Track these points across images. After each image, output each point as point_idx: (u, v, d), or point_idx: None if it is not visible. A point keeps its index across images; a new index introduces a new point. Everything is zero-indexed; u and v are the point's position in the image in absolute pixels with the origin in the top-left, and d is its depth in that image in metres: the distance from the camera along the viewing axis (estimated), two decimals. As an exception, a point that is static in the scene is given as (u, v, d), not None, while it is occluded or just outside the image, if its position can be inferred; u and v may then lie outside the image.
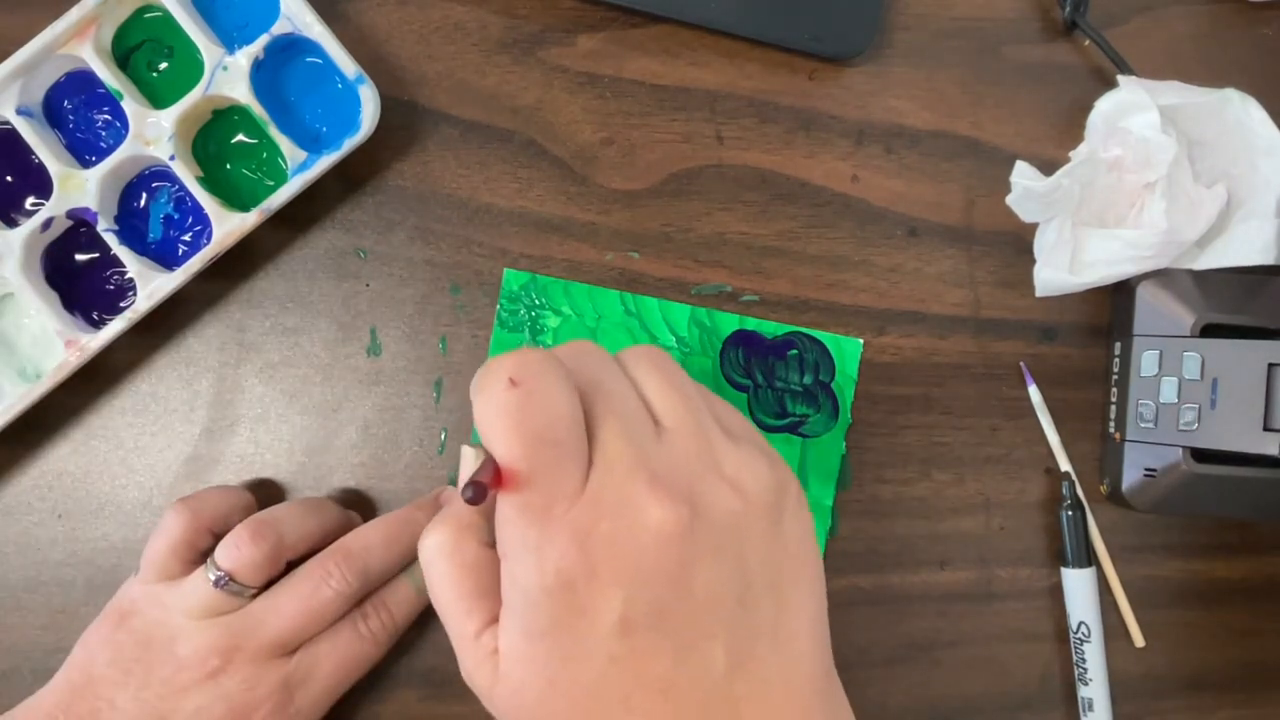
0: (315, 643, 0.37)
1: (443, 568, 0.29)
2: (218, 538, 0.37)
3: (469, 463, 0.31)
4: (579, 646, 0.26)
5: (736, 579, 0.28)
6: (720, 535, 0.27)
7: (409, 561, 0.39)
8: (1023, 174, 0.40)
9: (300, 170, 0.40)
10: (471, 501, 0.25)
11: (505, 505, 0.27)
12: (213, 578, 0.36)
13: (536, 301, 0.42)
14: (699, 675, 0.27)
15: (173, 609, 0.36)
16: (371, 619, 0.38)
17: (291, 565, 0.38)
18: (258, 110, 0.40)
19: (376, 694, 0.41)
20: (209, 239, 0.40)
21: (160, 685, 0.35)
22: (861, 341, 0.43)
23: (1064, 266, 0.42)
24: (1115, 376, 0.43)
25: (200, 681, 0.35)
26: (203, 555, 0.37)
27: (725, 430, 0.30)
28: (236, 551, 0.36)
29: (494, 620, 0.28)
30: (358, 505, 0.42)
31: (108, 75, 0.39)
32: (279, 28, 0.40)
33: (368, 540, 0.38)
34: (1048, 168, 0.41)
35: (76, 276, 0.41)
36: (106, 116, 0.41)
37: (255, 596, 0.37)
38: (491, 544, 0.29)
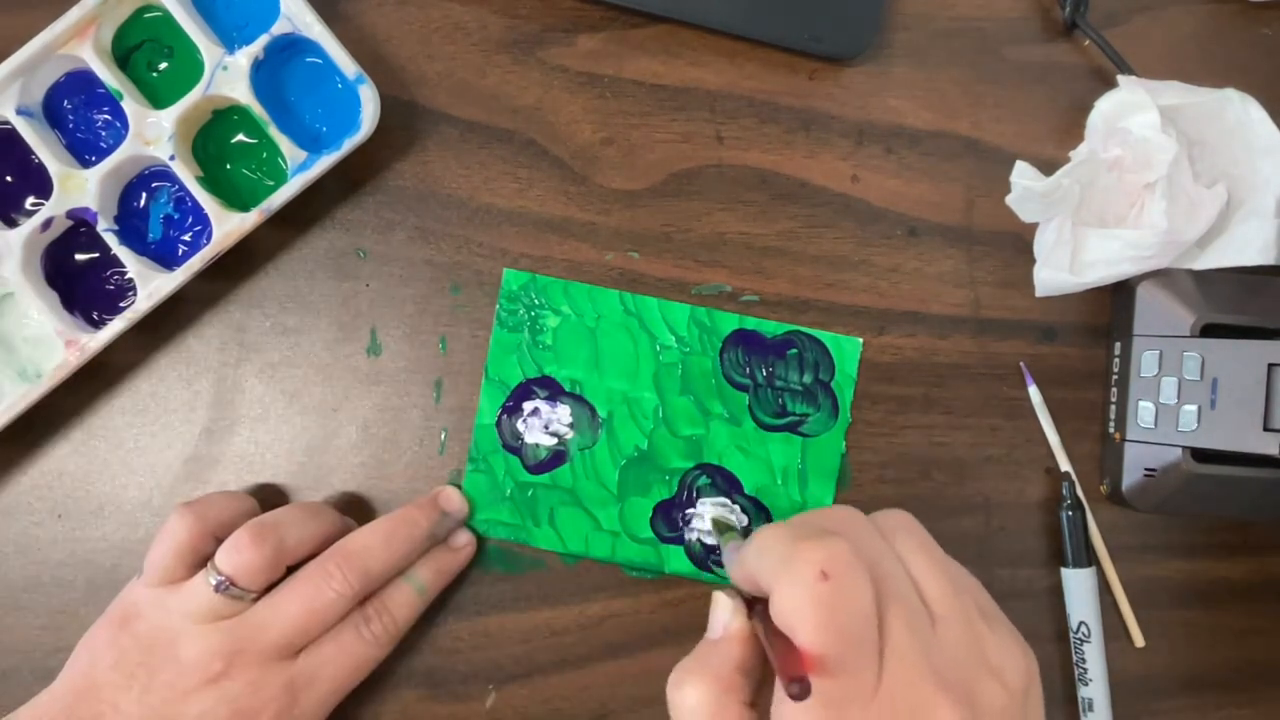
0: (318, 645, 0.37)
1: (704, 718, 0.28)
2: (220, 542, 0.37)
3: (724, 610, 0.31)
4: None
5: None
6: None
7: (409, 562, 0.39)
8: (1023, 174, 0.40)
9: (300, 170, 0.40)
10: (798, 698, 0.25)
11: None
12: (214, 582, 0.36)
13: (536, 301, 0.42)
14: None
15: (175, 612, 0.36)
16: (374, 622, 0.38)
17: (291, 569, 0.38)
18: (258, 110, 0.40)
19: (376, 694, 0.41)
20: (209, 239, 0.40)
21: (164, 689, 0.35)
22: (861, 341, 0.43)
23: (1064, 266, 0.41)
24: (1115, 376, 0.43)
25: (204, 686, 0.35)
26: (205, 559, 0.37)
27: (982, 613, 0.30)
28: (237, 555, 0.36)
29: None
30: (357, 506, 0.42)
31: (108, 75, 0.39)
32: (279, 28, 0.40)
33: (367, 541, 0.38)
34: (1048, 168, 0.41)
35: (76, 276, 0.41)
36: (106, 116, 0.41)
37: (256, 600, 0.37)
38: (751, 702, 0.29)
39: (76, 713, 0.35)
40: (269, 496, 0.42)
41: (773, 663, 0.27)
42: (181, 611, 0.36)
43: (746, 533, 0.40)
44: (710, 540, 0.42)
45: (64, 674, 0.37)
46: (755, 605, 0.30)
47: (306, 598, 0.36)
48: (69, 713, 0.35)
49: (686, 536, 0.42)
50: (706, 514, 0.42)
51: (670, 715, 0.30)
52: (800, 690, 0.25)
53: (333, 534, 0.39)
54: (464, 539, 0.41)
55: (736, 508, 0.42)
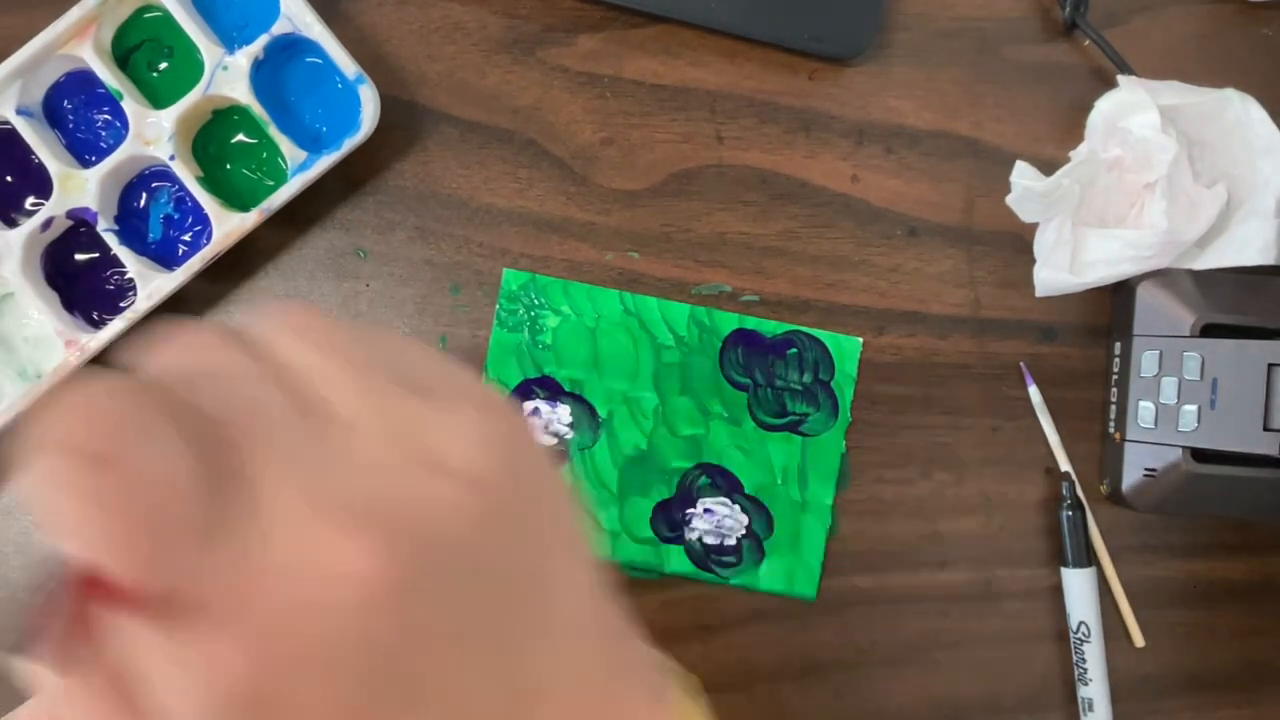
0: None
1: None
2: None
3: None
4: None
5: (492, 589, 0.20)
6: (457, 552, 0.19)
7: None
8: (1023, 174, 0.40)
9: (300, 170, 0.40)
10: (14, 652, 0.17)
11: (128, 626, 0.17)
12: None
13: (536, 301, 0.42)
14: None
15: None
16: None
17: None
18: (258, 110, 0.40)
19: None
20: (209, 239, 0.40)
21: None
22: (861, 340, 0.43)
23: (1064, 266, 0.41)
24: (1115, 376, 0.43)
25: None
26: None
27: (418, 392, 0.21)
28: None
29: None
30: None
31: (108, 75, 0.39)
32: (279, 28, 0.40)
33: None
34: (1048, 168, 0.41)
35: (76, 276, 0.41)
36: (106, 116, 0.41)
37: None
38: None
39: None
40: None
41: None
42: None
43: None
44: (712, 540, 0.42)
45: None
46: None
47: None
48: None
49: (687, 536, 0.42)
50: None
51: None
52: (15, 643, 0.17)
53: None
54: None
55: (736, 507, 0.42)
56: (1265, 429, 0.38)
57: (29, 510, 0.39)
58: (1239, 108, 0.41)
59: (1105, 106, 0.42)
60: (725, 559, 0.42)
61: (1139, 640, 0.44)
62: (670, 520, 0.42)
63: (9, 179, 0.41)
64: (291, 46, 0.41)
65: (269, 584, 0.18)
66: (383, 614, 0.18)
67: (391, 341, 0.23)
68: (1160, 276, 0.41)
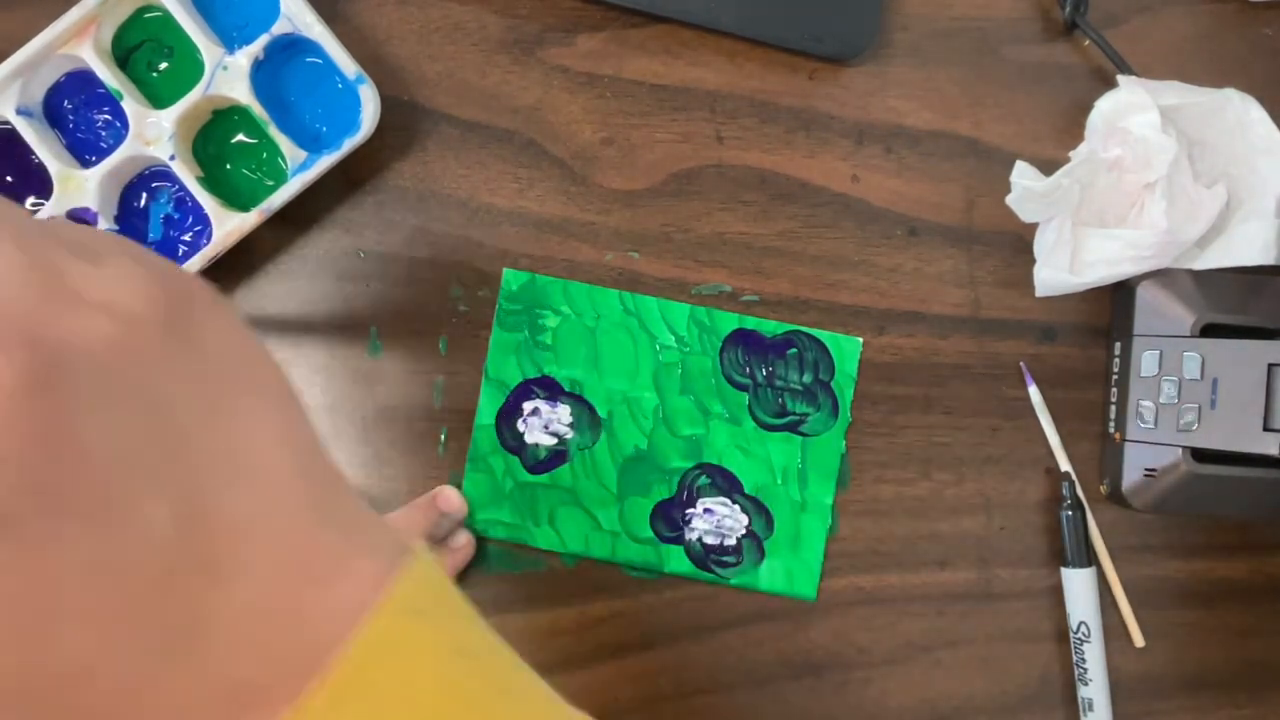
0: None
1: None
2: None
3: None
4: None
5: (149, 419, 0.21)
6: (102, 374, 0.20)
7: None
8: (1023, 174, 0.40)
9: (300, 170, 0.40)
10: None
11: None
12: None
13: (536, 301, 0.42)
14: (139, 544, 0.20)
15: None
16: None
17: None
18: (258, 110, 0.40)
19: (376, 694, 0.41)
20: (209, 239, 0.40)
21: None
22: (861, 340, 0.43)
23: (1064, 266, 0.41)
24: (1115, 376, 0.43)
25: None
26: None
27: (81, 255, 0.22)
28: None
29: None
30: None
31: (108, 75, 0.39)
32: (279, 28, 0.40)
33: None
34: (1048, 168, 0.41)
35: (76, 276, 0.41)
36: (106, 116, 0.41)
37: None
38: None
39: None
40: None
41: None
42: None
43: None
44: (712, 540, 0.42)
45: None
46: None
47: None
48: None
49: (687, 536, 0.42)
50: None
51: None
52: None
53: None
54: (463, 539, 0.41)
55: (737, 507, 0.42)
56: (1265, 429, 0.38)
57: None
58: (1239, 108, 0.41)
59: (1105, 106, 0.42)
60: (725, 559, 0.42)
61: (1139, 640, 0.44)
62: (670, 520, 0.42)
63: (9, 179, 0.41)
64: (291, 46, 0.41)
65: None
66: (32, 414, 0.18)
67: (58, 224, 0.24)
68: (1160, 276, 0.41)
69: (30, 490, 0.19)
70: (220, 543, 0.21)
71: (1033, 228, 0.43)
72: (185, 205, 0.41)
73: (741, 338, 0.43)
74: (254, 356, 0.24)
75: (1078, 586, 0.42)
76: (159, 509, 0.20)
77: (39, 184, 0.40)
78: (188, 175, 0.40)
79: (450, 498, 0.41)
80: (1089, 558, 0.43)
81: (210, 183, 0.40)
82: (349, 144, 0.40)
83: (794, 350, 0.43)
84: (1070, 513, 0.42)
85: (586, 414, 0.42)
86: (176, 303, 0.23)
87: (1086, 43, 0.45)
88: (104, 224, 0.40)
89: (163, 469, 0.21)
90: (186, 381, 0.22)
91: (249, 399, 0.23)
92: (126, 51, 0.41)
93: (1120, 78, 0.41)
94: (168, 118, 0.39)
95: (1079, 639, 0.42)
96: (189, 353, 0.22)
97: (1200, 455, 0.40)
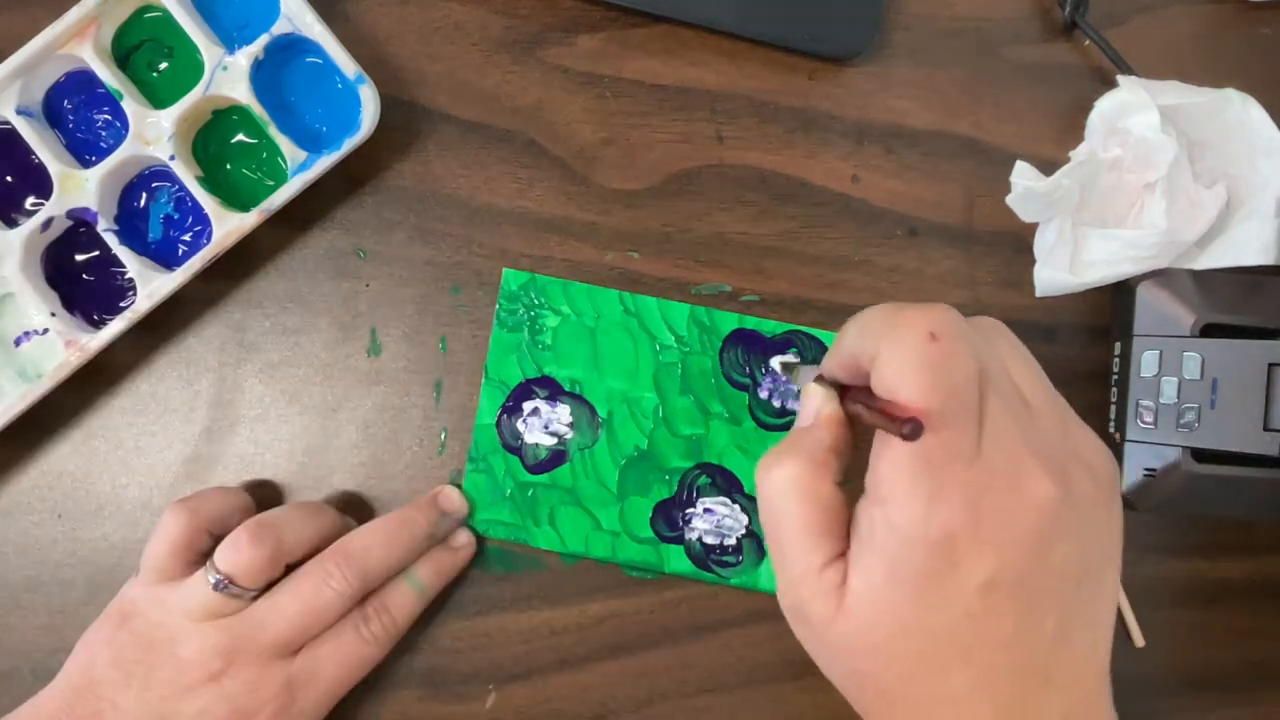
0: (317, 644, 0.37)
1: (794, 499, 0.29)
2: (217, 539, 0.37)
3: (815, 397, 0.31)
4: (941, 598, 0.27)
5: (1079, 559, 0.29)
6: (1078, 514, 0.28)
7: (409, 562, 0.39)
8: (1023, 174, 0.40)
9: (300, 170, 0.40)
10: (909, 437, 0.25)
11: (901, 451, 0.27)
12: (212, 580, 0.36)
13: (536, 301, 0.42)
14: (1033, 641, 0.28)
15: (173, 610, 0.36)
16: (373, 621, 0.38)
17: (290, 568, 0.38)
18: (258, 110, 0.40)
19: (376, 694, 0.41)
20: (209, 239, 0.40)
21: (162, 687, 0.35)
22: (861, 341, 0.43)
23: (1064, 266, 0.41)
24: (1115, 376, 0.43)
25: (202, 684, 0.35)
26: (202, 556, 0.37)
27: (1071, 417, 0.31)
28: (236, 554, 0.36)
29: (838, 556, 0.29)
30: (357, 506, 0.42)
31: (108, 75, 0.39)
32: (279, 28, 0.40)
33: (367, 541, 0.38)
34: (1048, 168, 0.41)
35: (76, 276, 0.41)
36: (106, 116, 0.41)
37: (255, 599, 0.37)
38: (840, 482, 0.30)
39: (76, 710, 0.35)
40: (269, 495, 0.42)
41: (878, 424, 0.27)
42: (180, 609, 0.36)
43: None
44: (712, 540, 0.42)
45: (63, 672, 0.37)
46: (848, 391, 0.31)
47: (305, 597, 0.36)
48: (69, 710, 0.35)
49: (687, 536, 0.42)
50: (776, 361, 0.42)
51: (760, 499, 0.30)
52: (913, 429, 0.25)
53: (332, 533, 0.39)
54: (464, 539, 0.41)
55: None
56: (1265, 429, 0.38)
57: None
58: (1239, 108, 0.41)
59: (1105, 106, 0.42)
60: (725, 559, 0.42)
61: (1139, 640, 0.44)
62: (670, 520, 0.42)
63: (9, 179, 0.41)
64: (291, 46, 0.41)
65: (993, 475, 0.27)
66: (1044, 528, 0.27)
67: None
68: (1160, 276, 0.41)
69: (1017, 576, 0.28)
70: (1060, 669, 0.29)
71: (1033, 228, 0.43)
72: (185, 205, 0.41)
73: (741, 337, 0.43)
74: (1120, 547, 0.31)
75: (1078, 586, 0.42)
76: (1051, 623, 0.28)
77: (39, 184, 0.40)
78: (188, 175, 0.40)
79: (451, 497, 0.41)
80: (1089, 558, 0.42)
81: (210, 183, 0.40)
82: (349, 144, 0.40)
83: (794, 350, 0.43)
84: (1070, 513, 0.42)
85: (586, 414, 0.42)
86: (1117, 482, 0.31)
87: (1086, 43, 0.45)
88: (104, 224, 0.40)
89: (1066, 597, 0.28)
90: (1099, 545, 0.30)
91: (1112, 577, 0.31)
92: (126, 51, 0.41)
93: (1120, 78, 0.41)
94: (168, 118, 0.39)
95: (1079, 639, 0.42)
96: (1109, 525, 0.30)
97: (1200, 455, 0.40)
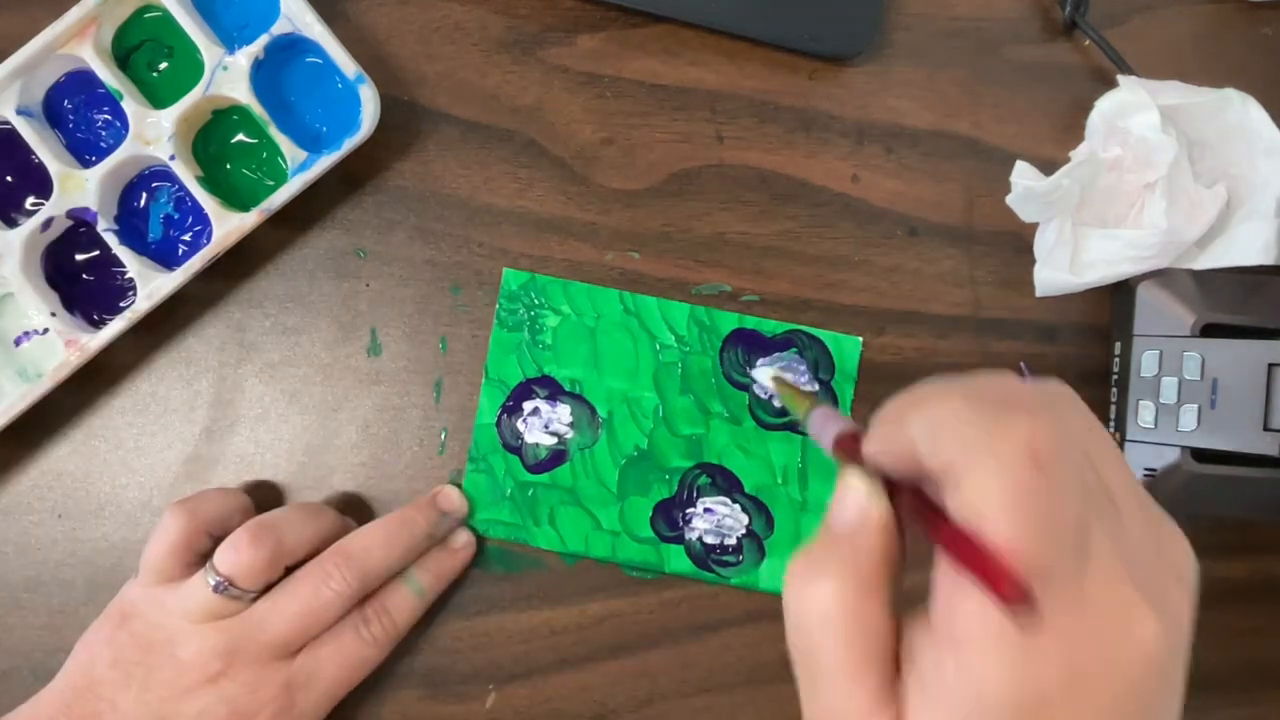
0: (317, 645, 0.37)
1: (838, 629, 0.24)
2: (216, 540, 0.37)
3: (859, 493, 0.25)
4: None
5: (1174, 694, 0.24)
6: (1181, 646, 0.24)
7: (409, 563, 0.39)
8: (1023, 174, 0.40)
9: (300, 170, 0.40)
10: (1020, 613, 0.21)
11: (985, 596, 0.22)
12: (212, 582, 0.36)
13: (536, 301, 0.42)
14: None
15: (173, 612, 0.36)
16: (373, 623, 0.38)
17: (289, 569, 0.38)
18: (258, 110, 0.40)
19: (376, 694, 0.41)
20: (209, 239, 0.40)
21: (162, 688, 0.35)
22: (861, 340, 0.43)
23: (1064, 266, 0.41)
24: (1115, 376, 0.43)
25: (202, 685, 0.35)
26: (201, 557, 0.37)
27: (1150, 501, 0.25)
28: (236, 556, 0.36)
29: (888, 698, 0.23)
30: (357, 505, 0.42)
31: (108, 75, 0.39)
32: (279, 28, 0.40)
33: (367, 542, 0.38)
34: (1048, 168, 0.41)
35: (76, 276, 0.41)
36: (106, 116, 0.41)
37: (255, 600, 0.37)
38: (893, 605, 0.24)
39: (75, 710, 0.35)
40: (267, 498, 0.42)
41: (957, 563, 0.22)
42: (180, 610, 0.36)
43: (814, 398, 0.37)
44: (712, 539, 0.42)
45: (63, 672, 0.37)
46: (900, 489, 0.25)
47: (305, 598, 0.36)
48: (68, 710, 0.35)
49: (687, 536, 0.42)
50: (765, 375, 0.41)
51: (790, 619, 0.25)
52: (1025, 609, 0.21)
53: (331, 534, 0.39)
54: (463, 539, 0.41)
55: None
56: (1265, 429, 0.38)
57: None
58: (1239, 108, 0.41)
59: (1105, 106, 0.42)
60: (725, 558, 0.42)
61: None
62: (670, 520, 0.42)
63: (9, 179, 0.41)
64: (291, 46, 0.41)
65: (1095, 622, 0.22)
66: (1151, 678, 0.23)
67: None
68: (1160, 276, 0.41)
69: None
70: None
71: (1033, 228, 0.43)
72: (185, 205, 0.41)
73: (741, 337, 0.43)
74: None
75: (1078, 586, 0.42)
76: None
77: (39, 184, 0.40)
78: (188, 175, 0.40)
79: (451, 497, 0.41)
80: (1089, 558, 0.42)
81: (210, 183, 0.40)
82: (349, 144, 0.40)
83: (794, 349, 0.43)
84: (1070, 513, 0.42)
85: (587, 413, 0.42)
86: (1197, 578, 0.25)
87: (1086, 43, 0.45)
88: (104, 224, 0.40)
89: None
90: (1187, 648, 0.25)
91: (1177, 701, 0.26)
92: (126, 51, 0.41)
93: (1120, 78, 0.41)
94: (168, 118, 0.39)
95: (1079, 639, 0.42)
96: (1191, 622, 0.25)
97: (1200, 455, 0.40)
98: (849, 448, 0.27)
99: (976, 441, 0.22)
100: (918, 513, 0.24)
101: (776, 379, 0.39)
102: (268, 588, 0.37)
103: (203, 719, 0.35)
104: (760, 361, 0.43)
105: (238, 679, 0.35)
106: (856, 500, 0.25)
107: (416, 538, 0.39)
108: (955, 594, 0.22)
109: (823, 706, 0.24)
